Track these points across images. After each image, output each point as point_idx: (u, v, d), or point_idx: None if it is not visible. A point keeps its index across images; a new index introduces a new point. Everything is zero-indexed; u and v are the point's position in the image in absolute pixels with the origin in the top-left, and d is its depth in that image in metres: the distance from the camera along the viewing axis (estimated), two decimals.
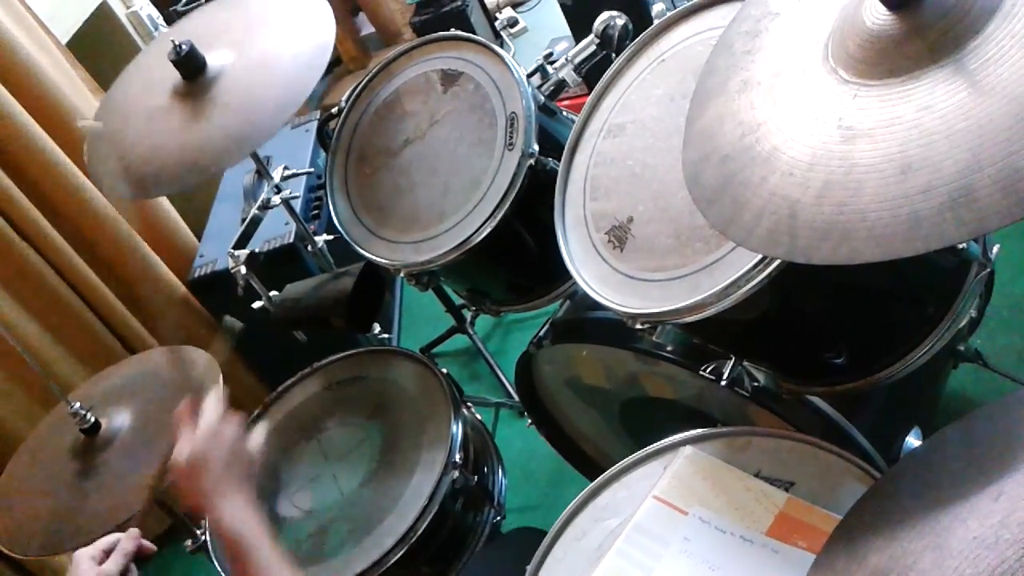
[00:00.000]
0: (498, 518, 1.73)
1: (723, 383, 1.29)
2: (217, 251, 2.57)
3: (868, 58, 0.88)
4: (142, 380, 1.75)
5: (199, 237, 2.78)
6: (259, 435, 1.32)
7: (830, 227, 0.83)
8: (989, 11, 0.82)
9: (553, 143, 1.59)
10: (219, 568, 1.60)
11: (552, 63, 1.75)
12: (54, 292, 2.48)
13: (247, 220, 1.92)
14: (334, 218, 1.76)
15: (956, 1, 0.83)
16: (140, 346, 2.67)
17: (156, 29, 3.28)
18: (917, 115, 0.82)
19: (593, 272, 1.29)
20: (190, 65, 1.68)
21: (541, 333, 1.61)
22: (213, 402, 1.30)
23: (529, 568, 1.18)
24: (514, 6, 4.13)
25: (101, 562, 1.28)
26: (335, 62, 4.19)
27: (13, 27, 2.55)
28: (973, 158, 0.76)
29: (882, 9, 0.87)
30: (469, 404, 1.83)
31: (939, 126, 0.80)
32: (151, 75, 1.79)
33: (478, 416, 1.87)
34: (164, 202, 2.94)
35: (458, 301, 2.43)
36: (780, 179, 0.90)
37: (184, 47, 1.66)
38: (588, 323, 1.57)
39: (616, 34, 1.66)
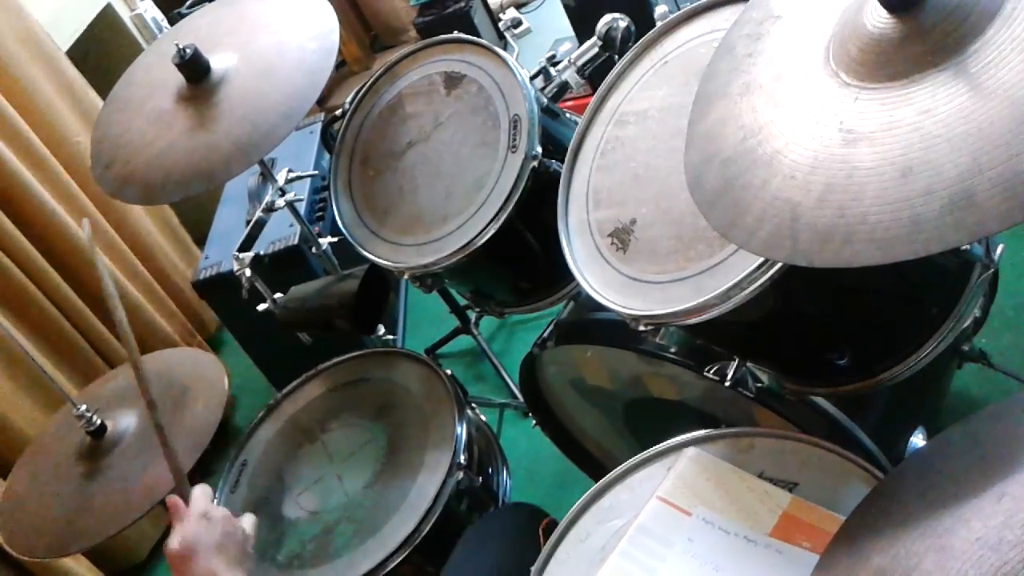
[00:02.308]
0: None
1: (727, 384, 1.30)
2: (222, 253, 2.58)
3: (869, 61, 0.88)
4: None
5: (203, 239, 2.80)
6: (249, 519, 1.36)
7: (832, 230, 0.84)
8: (990, 14, 0.82)
9: (556, 145, 1.59)
10: None
11: (555, 65, 1.76)
12: (37, 306, 2.54)
13: (251, 222, 1.93)
14: (338, 220, 1.77)
15: (957, 4, 0.84)
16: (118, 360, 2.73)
17: (160, 32, 3.29)
18: (918, 118, 0.82)
19: (596, 274, 1.30)
20: (194, 68, 1.68)
21: (545, 334, 1.61)
22: (201, 490, 1.34)
23: (533, 569, 1.19)
24: (518, 7, 4.13)
25: None
26: (339, 63, 4.19)
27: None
28: (974, 161, 0.77)
29: (883, 12, 0.87)
30: (474, 405, 1.83)
31: (940, 129, 0.80)
32: (154, 77, 1.79)
33: (483, 417, 1.88)
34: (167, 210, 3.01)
35: (462, 302, 2.43)
36: (782, 182, 0.90)
37: (188, 51, 1.66)
38: (592, 324, 1.57)
39: (619, 36, 1.66)
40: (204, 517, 1.29)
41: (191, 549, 1.25)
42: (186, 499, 1.32)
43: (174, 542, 1.27)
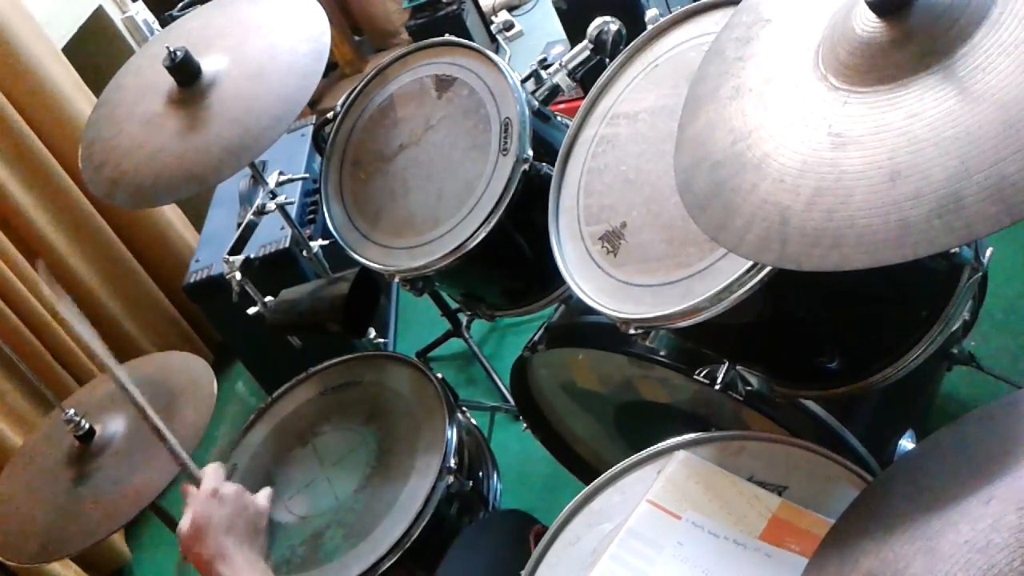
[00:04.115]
0: None
1: (717, 387, 1.30)
2: (213, 256, 2.57)
3: (858, 65, 0.89)
4: (137, 386, 1.75)
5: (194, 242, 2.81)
6: (266, 493, 1.35)
7: (820, 233, 0.84)
8: (977, 19, 0.82)
9: (547, 148, 1.59)
10: None
11: (546, 68, 1.76)
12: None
13: (242, 225, 1.93)
14: (329, 223, 1.77)
15: (945, 8, 0.84)
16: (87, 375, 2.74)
17: (152, 34, 3.29)
18: (906, 122, 0.82)
19: (587, 277, 1.30)
20: (185, 71, 1.68)
21: (536, 337, 1.61)
22: (212, 469, 1.35)
23: (523, 573, 1.18)
24: (510, 9, 4.14)
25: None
26: (331, 66, 4.19)
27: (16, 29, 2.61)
28: (961, 165, 0.77)
29: (872, 16, 0.88)
30: (464, 408, 1.83)
31: (928, 133, 0.80)
32: (145, 80, 1.79)
33: (473, 420, 1.87)
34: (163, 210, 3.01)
35: (454, 305, 2.43)
36: (771, 186, 0.90)
37: (179, 53, 1.66)
38: (583, 327, 1.57)
39: (610, 39, 1.66)
40: (214, 496, 1.29)
41: (200, 529, 1.25)
42: (197, 484, 1.32)
43: (184, 523, 1.27)
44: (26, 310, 2.61)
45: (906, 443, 1.40)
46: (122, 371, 1.36)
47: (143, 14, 3.34)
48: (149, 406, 1.34)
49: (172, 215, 3.15)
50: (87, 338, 1.34)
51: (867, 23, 0.88)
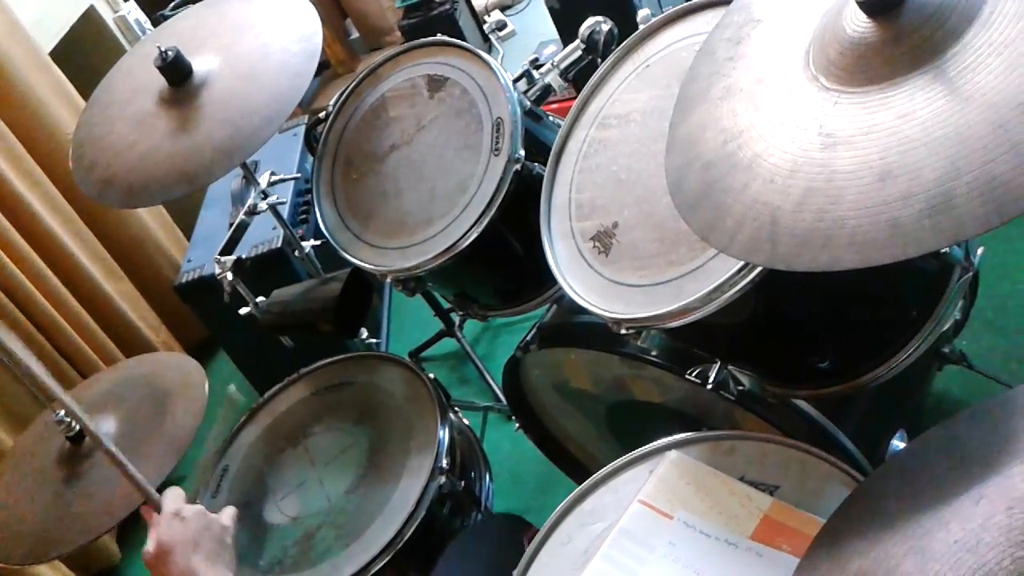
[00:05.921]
0: None
1: (709, 387, 1.30)
2: (205, 256, 2.57)
3: (849, 65, 0.89)
4: (127, 387, 1.75)
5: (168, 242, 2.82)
6: (229, 511, 1.36)
7: (811, 234, 0.84)
8: (968, 19, 0.83)
9: (539, 148, 1.59)
10: None
11: (538, 68, 1.76)
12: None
13: (234, 226, 1.92)
14: (321, 223, 1.76)
15: (936, 8, 0.84)
16: (90, 369, 2.74)
17: (143, 34, 3.28)
18: (896, 122, 0.82)
19: (578, 277, 1.30)
20: (176, 71, 1.67)
21: (528, 337, 1.61)
22: (172, 492, 1.35)
23: (515, 572, 1.18)
24: (502, 9, 4.13)
25: None
26: (323, 65, 4.18)
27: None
28: (952, 165, 0.77)
29: (862, 16, 0.88)
30: (456, 408, 1.83)
31: (918, 133, 0.80)
32: (136, 79, 1.78)
33: (465, 420, 1.87)
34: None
35: (446, 305, 2.43)
36: (761, 186, 0.90)
37: (170, 53, 1.65)
38: (575, 327, 1.57)
39: (602, 39, 1.66)
40: (176, 517, 1.29)
41: (165, 550, 1.26)
42: (159, 509, 1.32)
43: (149, 546, 1.28)
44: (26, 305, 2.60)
45: (897, 443, 1.40)
46: (70, 398, 1.36)
47: (135, 14, 3.34)
48: (104, 437, 1.34)
49: (148, 217, 3.14)
50: (35, 369, 1.32)
51: (858, 23, 0.88)
